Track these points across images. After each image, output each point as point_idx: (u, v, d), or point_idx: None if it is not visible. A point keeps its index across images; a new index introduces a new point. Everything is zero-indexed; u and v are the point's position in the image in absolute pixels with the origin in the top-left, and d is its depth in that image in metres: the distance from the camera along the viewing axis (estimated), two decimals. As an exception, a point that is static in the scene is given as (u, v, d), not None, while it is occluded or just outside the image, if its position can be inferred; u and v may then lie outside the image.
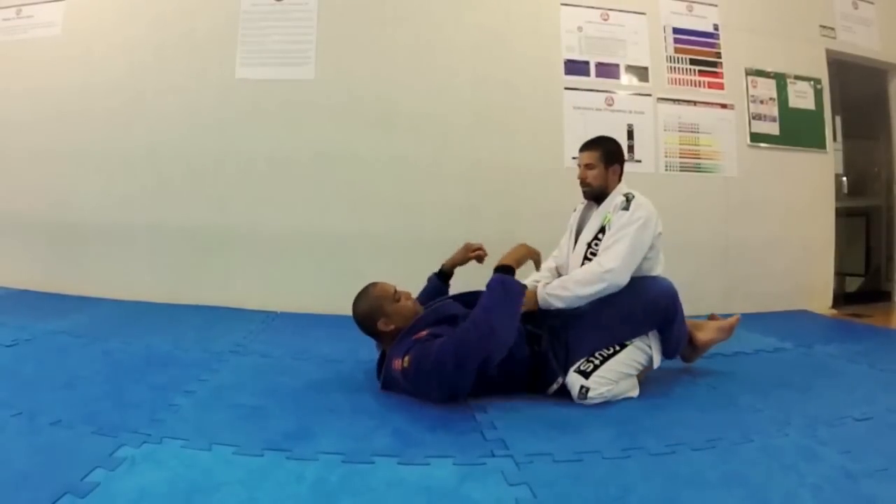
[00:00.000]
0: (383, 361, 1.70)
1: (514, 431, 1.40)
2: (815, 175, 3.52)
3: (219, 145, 3.02)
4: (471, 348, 1.45)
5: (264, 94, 3.04)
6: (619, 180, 1.92)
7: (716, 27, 3.43)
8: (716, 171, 3.35)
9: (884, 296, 3.93)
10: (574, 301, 1.71)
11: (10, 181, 3.10)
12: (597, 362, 1.65)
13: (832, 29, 3.60)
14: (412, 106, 3.07)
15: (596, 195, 1.91)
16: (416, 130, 3.06)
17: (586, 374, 1.63)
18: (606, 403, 1.63)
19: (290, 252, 3.00)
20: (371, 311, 1.68)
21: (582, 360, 1.65)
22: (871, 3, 3.74)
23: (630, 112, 3.26)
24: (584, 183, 1.93)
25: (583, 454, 1.29)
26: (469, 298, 1.77)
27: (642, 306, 1.71)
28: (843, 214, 3.69)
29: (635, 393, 1.70)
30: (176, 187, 3.01)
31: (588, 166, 1.90)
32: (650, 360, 1.76)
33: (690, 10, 3.41)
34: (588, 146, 1.94)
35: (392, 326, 1.67)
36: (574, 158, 3.08)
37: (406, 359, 1.52)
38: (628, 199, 1.81)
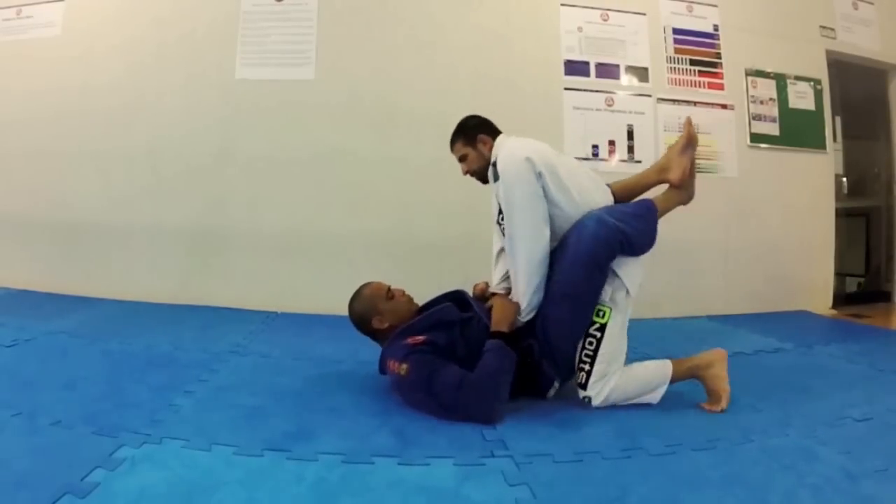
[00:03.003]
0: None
1: (513, 431, 1.41)
2: (815, 175, 3.52)
3: (219, 145, 3.02)
4: (474, 404, 1.46)
5: (264, 94, 3.04)
6: (493, 144, 1.80)
7: (716, 27, 3.42)
8: (716, 171, 3.34)
9: (884, 296, 3.93)
10: (535, 292, 1.63)
11: (11, 181, 3.10)
12: (587, 367, 1.60)
13: (832, 29, 3.60)
14: (412, 106, 3.07)
15: (487, 173, 1.80)
16: (416, 130, 3.05)
17: (584, 385, 1.60)
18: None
19: (290, 252, 3.00)
20: (365, 310, 1.70)
21: (577, 371, 1.62)
22: (871, 3, 3.74)
23: (630, 112, 3.26)
24: (471, 175, 1.87)
25: (583, 454, 1.29)
26: (462, 298, 1.78)
27: (588, 255, 1.56)
28: (843, 215, 3.69)
29: (655, 398, 1.64)
30: (176, 187, 3.01)
31: (462, 159, 1.86)
32: (627, 292, 1.62)
33: (690, 11, 3.41)
34: (450, 144, 1.88)
35: (387, 324, 1.68)
36: (576, 158, 3.12)
37: (404, 367, 1.51)
38: (493, 164, 1.71)
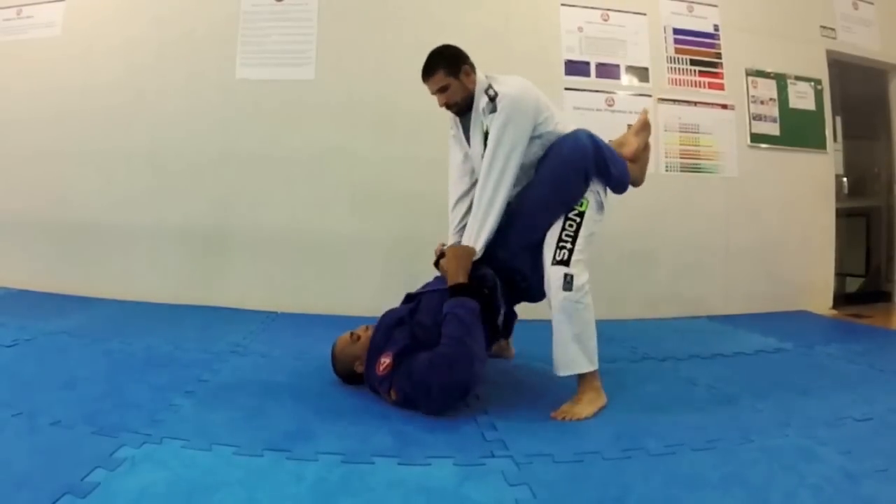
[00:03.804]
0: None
1: (514, 432, 1.41)
2: (816, 175, 3.52)
3: (219, 145, 3.02)
4: (453, 372, 1.47)
5: (264, 94, 3.04)
6: (475, 77, 1.77)
7: (716, 27, 3.42)
8: (716, 171, 3.34)
9: (884, 296, 3.93)
10: (491, 224, 1.69)
11: (11, 181, 3.10)
12: (569, 245, 1.63)
13: (832, 29, 3.60)
14: (412, 106, 3.05)
15: (468, 105, 1.77)
16: (416, 130, 3.05)
17: (566, 262, 1.61)
18: (605, 405, 1.62)
19: (290, 252, 2.99)
20: (345, 363, 1.72)
21: (554, 251, 1.64)
22: (871, 3, 3.74)
23: (630, 112, 3.25)
24: (448, 106, 1.80)
25: (583, 455, 1.29)
26: (421, 293, 1.78)
27: (565, 170, 1.68)
28: (843, 215, 3.69)
29: (582, 360, 1.62)
30: (176, 187, 3.01)
31: (442, 90, 1.75)
32: (602, 205, 1.73)
33: (690, 11, 3.41)
34: (427, 74, 1.76)
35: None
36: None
37: (392, 393, 1.55)
38: (491, 97, 1.70)
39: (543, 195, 1.69)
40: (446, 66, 1.74)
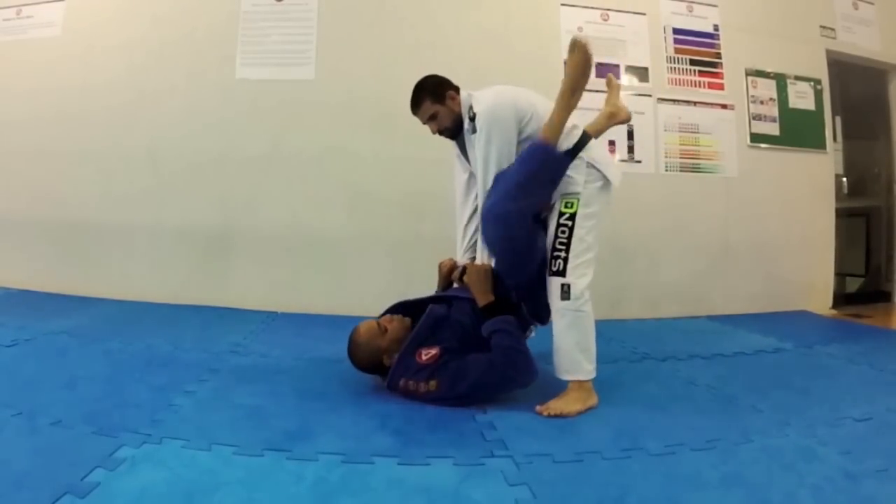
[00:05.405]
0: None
1: (513, 432, 1.41)
2: (815, 175, 3.52)
3: (219, 145, 3.02)
4: (511, 374, 1.58)
5: (264, 94, 3.04)
6: (460, 99, 1.80)
7: (716, 27, 3.42)
8: (716, 171, 3.35)
9: (884, 296, 3.93)
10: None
11: (11, 181, 3.09)
12: (563, 254, 1.63)
13: (832, 29, 3.60)
14: (412, 106, 3.06)
15: (459, 128, 1.82)
16: (416, 130, 3.03)
17: (562, 272, 1.62)
18: (605, 404, 1.62)
19: (290, 252, 2.99)
20: (372, 355, 1.69)
21: (549, 261, 1.65)
22: (871, 3, 3.74)
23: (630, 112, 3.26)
24: (441, 133, 1.84)
25: (583, 454, 1.29)
26: (448, 296, 1.81)
27: (541, 167, 1.63)
28: (843, 215, 3.69)
29: (582, 367, 1.63)
30: (176, 187, 3.01)
31: (432, 118, 1.81)
32: (605, 181, 1.67)
33: (690, 11, 3.41)
34: (415, 106, 1.83)
35: (396, 356, 1.66)
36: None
37: (433, 383, 1.56)
38: (471, 118, 1.72)
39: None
40: (431, 95, 1.80)
